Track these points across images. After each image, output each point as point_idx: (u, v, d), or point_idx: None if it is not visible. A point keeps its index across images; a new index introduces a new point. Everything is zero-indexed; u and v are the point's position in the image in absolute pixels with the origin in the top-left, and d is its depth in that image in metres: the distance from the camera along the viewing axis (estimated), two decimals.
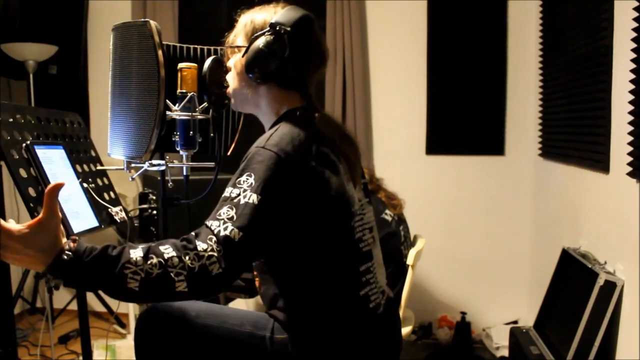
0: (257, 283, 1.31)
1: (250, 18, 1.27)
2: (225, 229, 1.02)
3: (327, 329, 1.17)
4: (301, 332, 1.19)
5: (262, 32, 1.20)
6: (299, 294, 1.19)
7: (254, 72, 1.21)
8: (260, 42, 1.19)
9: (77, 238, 1.01)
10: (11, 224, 0.98)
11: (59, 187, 1.00)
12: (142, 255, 0.99)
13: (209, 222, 1.05)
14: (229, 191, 1.08)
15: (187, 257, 0.99)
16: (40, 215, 0.98)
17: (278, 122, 1.22)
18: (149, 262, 0.98)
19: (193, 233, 1.04)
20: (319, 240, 1.15)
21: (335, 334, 1.17)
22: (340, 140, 1.24)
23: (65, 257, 0.97)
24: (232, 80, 1.32)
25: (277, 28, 1.18)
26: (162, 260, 0.99)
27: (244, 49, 1.24)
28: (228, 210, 1.04)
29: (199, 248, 1.00)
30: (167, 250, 1.00)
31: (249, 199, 1.05)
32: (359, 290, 1.19)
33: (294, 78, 1.25)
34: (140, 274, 0.97)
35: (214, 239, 1.01)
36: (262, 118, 1.32)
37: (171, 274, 0.98)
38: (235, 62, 1.30)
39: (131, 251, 1.00)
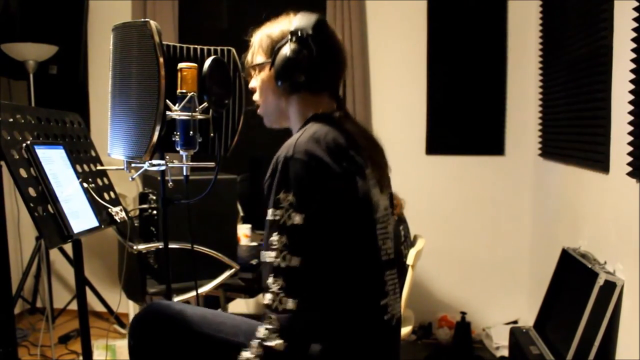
0: None
1: (266, 33, 1.27)
2: (283, 258, 1.06)
3: (341, 335, 1.16)
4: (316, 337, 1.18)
5: (284, 41, 1.20)
6: (318, 297, 1.18)
7: (284, 81, 1.20)
8: (286, 51, 1.18)
9: None
10: None
11: None
12: (248, 350, 1.08)
13: (266, 254, 1.08)
14: (272, 213, 1.09)
15: (268, 323, 1.07)
16: None
17: (304, 125, 1.21)
18: (253, 349, 1.06)
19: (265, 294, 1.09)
20: (342, 245, 1.14)
21: (348, 341, 1.16)
22: (367, 144, 1.23)
23: None
24: (261, 98, 1.31)
25: (299, 34, 1.18)
26: (259, 340, 1.06)
27: (268, 65, 1.24)
28: (279, 237, 1.07)
29: (267, 298, 1.07)
30: (259, 329, 1.08)
31: (294, 220, 1.06)
32: (379, 299, 1.19)
33: (323, 81, 1.24)
34: None
35: (278, 278, 1.06)
36: (292, 125, 1.31)
37: (268, 343, 1.05)
38: (260, 80, 1.29)
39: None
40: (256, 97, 1.32)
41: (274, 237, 1.07)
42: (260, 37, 1.27)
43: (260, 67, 1.27)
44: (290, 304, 1.05)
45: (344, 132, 1.18)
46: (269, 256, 1.07)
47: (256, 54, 1.28)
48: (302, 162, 1.08)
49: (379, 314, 1.19)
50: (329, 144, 1.11)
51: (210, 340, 1.22)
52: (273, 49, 1.22)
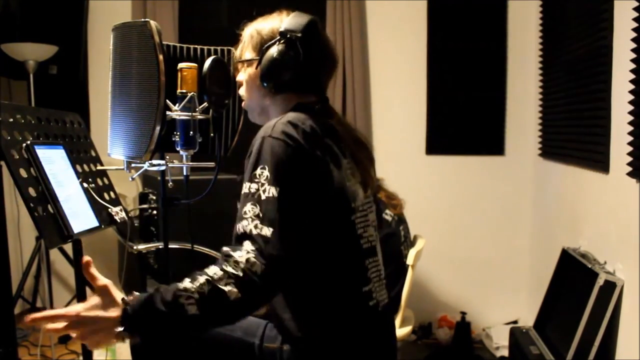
0: None
1: (256, 29, 1.27)
2: (255, 227, 1.03)
3: (325, 323, 1.17)
4: (300, 327, 1.18)
5: (272, 41, 1.20)
6: (299, 288, 1.18)
7: (269, 82, 1.20)
8: (273, 52, 1.18)
9: (130, 296, 1.05)
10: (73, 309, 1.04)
11: (89, 263, 1.08)
12: (189, 280, 1.02)
13: (238, 225, 1.06)
14: (247, 187, 1.08)
15: (228, 266, 1.00)
16: (95, 293, 1.05)
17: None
18: (197, 283, 1.00)
19: (230, 246, 1.05)
20: (319, 232, 1.15)
21: (333, 328, 1.16)
22: (350, 140, 1.24)
23: (129, 309, 1.02)
24: (246, 93, 1.31)
25: (288, 35, 1.18)
26: (208, 277, 1.00)
27: (255, 62, 1.24)
28: (252, 208, 1.05)
29: (237, 254, 1.01)
30: (210, 268, 1.02)
31: (269, 193, 1.05)
32: (362, 286, 1.19)
33: (309, 83, 1.25)
34: (194, 296, 0.99)
35: (248, 241, 1.02)
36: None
37: (220, 285, 0.99)
38: (247, 75, 1.29)
39: (179, 283, 1.02)
40: (242, 91, 1.33)
41: (248, 207, 1.05)
42: (251, 33, 1.27)
43: (248, 63, 1.28)
44: (262, 260, 1.01)
45: (322, 122, 1.18)
46: (241, 225, 1.05)
47: (245, 49, 1.29)
48: (279, 140, 1.08)
49: (363, 300, 1.19)
50: (305, 129, 1.12)
51: (207, 336, 1.22)
52: (261, 47, 1.22)
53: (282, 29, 1.19)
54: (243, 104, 1.34)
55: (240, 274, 0.99)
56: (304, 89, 1.25)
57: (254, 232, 1.02)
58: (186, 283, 1.01)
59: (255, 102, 1.30)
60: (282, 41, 1.18)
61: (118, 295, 1.05)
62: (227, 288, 0.99)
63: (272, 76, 1.20)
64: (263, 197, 1.05)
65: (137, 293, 1.05)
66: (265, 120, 1.30)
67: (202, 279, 1.00)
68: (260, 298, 1.06)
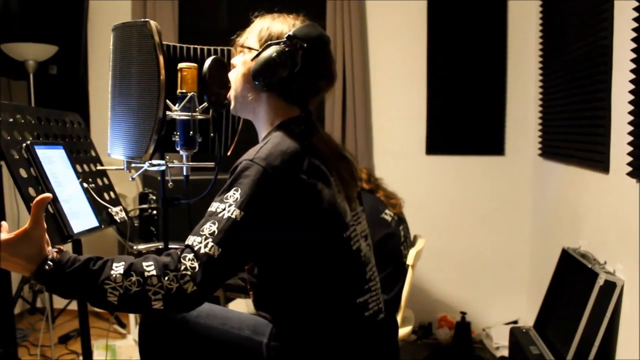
0: (250, 294, 1.31)
1: (268, 24, 1.26)
2: (205, 245, 1.04)
3: (320, 336, 1.18)
4: (295, 339, 1.20)
5: (277, 41, 1.20)
6: (293, 302, 1.20)
7: (259, 78, 1.20)
8: (273, 51, 1.18)
9: (61, 249, 1.07)
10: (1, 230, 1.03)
11: (46, 199, 1.06)
12: (122, 272, 1.03)
13: (191, 238, 1.07)
14: (215, 205, 1.10)
15: (166, 278, 1.02)
16: (26, 226, 1.04)
17: (272, 133, 1.22)
18: (128, 279, 1.02)
19: (177, 251, 1.06)
20: (313, 251, 1.16)
21: (328, 341, 1.18)
22: (334, 158, 1.24)
23: (47, 267, 1.03)
24: (234, 80, 1.31)
25: (294, 41, 1.18)
26: (141, 279, 1.02)
27: (254, 52, 1.24)
28: (210, 226, 1.06)
29: (180, 268, 1.03)
30: (149, 269, 1.03)
31: (232, 214, 1.06)
32: (356, 297, 1.20)
33: (297, 94, 1.25)
34: (119, 290, 1.02)
35: (193, 256, 1.04)
36: (258, 125, 1.32)
37: (149, 292, 1.02)
38: (242, 62, 1.28)
39: (113, 266, 1.04)
40: (231, 75, 1.32)
41: (207, 225, 1.07)
42: (262, 25, 1.27)
43: (248, 50, 1.27)
44: (197, 281, 1.03)
45: (307, 144, 1.18)
46: (194, 239, 1.06)
47: (251, 37, 1.28)
48: (259, 168, 1.09)
49: (358, 311, 1.20)
50: (291, 156, 1.13)
51: (215, 333, 1.23)
52: (265, 42, 1.22)
53: (290, 33, 1.19)
54: (229, 94, 1.33)
55: (173, 288, 1.02)
56: (289, 98, 1.25)
57: (202, 250, 1.04)
58: (118, 271, 1.03)
59: (239, 92, 1.29)
60: (286, 44, 1.18)
61: (45, 246, 1.06)
62: (153, 297, 1.02)
63: (262, 73, 1.19)
64: (225, 217, 1.06)
65: (66, 252, 1.06)
66: (248, 115, 1.32)
67: (134, 277, 1.02)
68: (180, 311, 1.12)
